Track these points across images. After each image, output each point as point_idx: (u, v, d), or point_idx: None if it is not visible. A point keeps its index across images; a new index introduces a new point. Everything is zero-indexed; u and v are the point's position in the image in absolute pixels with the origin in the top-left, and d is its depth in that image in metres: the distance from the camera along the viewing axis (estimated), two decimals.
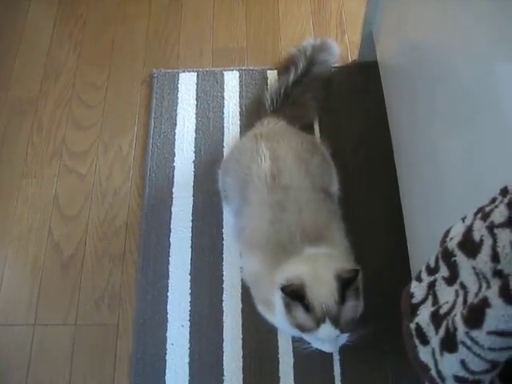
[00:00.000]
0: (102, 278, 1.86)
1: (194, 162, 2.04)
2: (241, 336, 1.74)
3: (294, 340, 1.72)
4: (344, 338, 1.40)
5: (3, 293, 1.86)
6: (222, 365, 1.70)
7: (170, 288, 1.82)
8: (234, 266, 1.83)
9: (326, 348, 1.40)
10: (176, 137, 2.09)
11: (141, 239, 1.90)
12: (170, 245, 1.89)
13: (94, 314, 1.81)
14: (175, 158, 2.04)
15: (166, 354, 1.72)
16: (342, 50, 2.22)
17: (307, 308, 1.33)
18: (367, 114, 2.09)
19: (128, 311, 1.80)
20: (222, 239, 1.89)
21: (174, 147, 2.07)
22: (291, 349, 1.72)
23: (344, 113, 2.09)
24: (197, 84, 2.20)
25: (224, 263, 1.85)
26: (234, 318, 1.76)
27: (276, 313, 1.49)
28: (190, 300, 1.80)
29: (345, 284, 1.33)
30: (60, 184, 2.04)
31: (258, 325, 1.72)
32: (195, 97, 2.17)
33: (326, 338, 1.36)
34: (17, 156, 2.11)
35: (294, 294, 1.34)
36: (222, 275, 1.83)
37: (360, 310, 1.39)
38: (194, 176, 2.01)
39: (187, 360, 1.71)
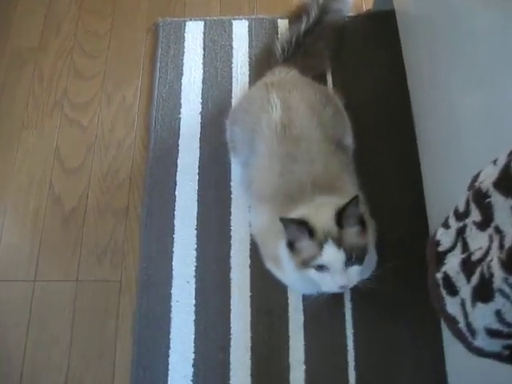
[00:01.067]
0: (105, 233, 1.79)
1: (200, 113, 1.94)
2: (249, 293, 1.67)
3: (305, 298, 1.65)
4: (354, 272, 1.30)
5: (2, 247, 1.79)
6: (230, 322, 1.64)
7: (175, 243, 1.74)
8: (243, 221, 1.75)
9: (336, 282, 1.30)
10: (182, 87, 1.99)
11: (145, 193, 1.82)
12: (175, 199, 1.81)
13: (96, 270, 1.74)
14: (181, 110, 1.95)
15: (170, 311, 1.66)
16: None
17: (309, 233, 1.27)
18: (383, 65, 1.97)
19: (131, 267, 1.73)
20: (230, 193, 1.81)
21: (181, 98, 1.97)
22: (301, 306, 1.65)
23: (358, 64, 1.98)
24: (204, 33, 2.09)
25: (232, 217, 1.77)
26: (242, 274, 1.69)
27: (284, 267, 1.43)
28: (195, 256, 1.72)
29: (342, 209, 1.27)
30: (61, 136, 1.96)
31: (266, 281, 1.64)
32: (202, 46, 2.07)
33: (333, 263, 1.28)
34: (17, 107, 2.02)
35: (295, 222, 1.29)
36: (230, 230, 1.75)
37: (367, 240, 1.33)
38: (201, 127, 1.91)
39: (193, 317, 1.65)
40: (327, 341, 1.60)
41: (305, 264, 1.30)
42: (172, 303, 1.67)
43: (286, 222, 1.28)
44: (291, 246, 1.33)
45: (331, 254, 1.27)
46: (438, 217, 1.53)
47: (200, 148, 1.88)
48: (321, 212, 1.34)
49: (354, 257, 1.28)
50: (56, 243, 1.78)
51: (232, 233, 1.75)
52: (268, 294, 1.66)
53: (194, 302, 1.66)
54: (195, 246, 1.74)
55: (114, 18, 2.18)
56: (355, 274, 1.31)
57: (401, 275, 1.52)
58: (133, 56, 2.09)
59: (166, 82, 2.00)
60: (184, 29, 2.10)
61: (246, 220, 1.74)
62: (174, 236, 1.75)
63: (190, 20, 2.13)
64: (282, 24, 2.08)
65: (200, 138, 1.89)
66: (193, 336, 1.62)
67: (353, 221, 1.29)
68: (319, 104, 1.64)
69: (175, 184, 1.83)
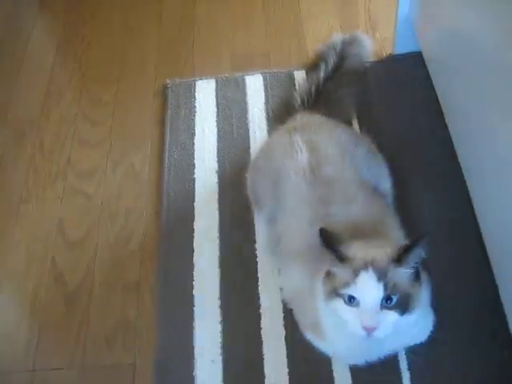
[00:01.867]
0: (114, 311, 1.55)
1: (217, 172, 1.76)
2: (286, 370, 1.40)
3: (352, 369, 1.38)
4: (388, 320, 1.09)
5: None
6: None
7: (195, 317, 1.50)
8: (272, 286, 1.51)
9: (362, 320, 1.08)
10: (195, 147, 1.82)
11: (159, 262, 1.60)
12: (193, 267, 1.58)
13: (104, 354, 1.49)
14: (195, 170, 1.77)
15: None
16: (374, 46, 1.97)
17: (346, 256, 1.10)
18: (412, 106, 1.81)
19: (145, 348, 1.47)
20: (256, 256, 1.58)
21: (194, 158, 1.80)
22: (350, 381, 1.37)
23: (385, 107, 1.83)
24: (216, 90, 1.96)
25: (260, 283, 1.53)
26: (276, 348, 1.43)
27: (326, 332, 1.24)
28: (220, 330, 1.47)
29: (409, 245, 1.09)
30: (64, 207, 1.77)
31: (306, 354, 1.38)
32: (215, 104, 1.93)
33: (365, 297, 1.07)
34: (16, 180, 1.85)
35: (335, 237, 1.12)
36: (259, 298, 1.51)
37: (418, 292, 1.12)
38: (219, 188, 1.73)
39: None
40: None
41: (335, 292, 1.11)
42: None
43: (327, 234, 1.12)
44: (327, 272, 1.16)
45: (367, 285, 1.07)
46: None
47: (219, 210, 1.68)
48: (367, 247, 1.15)
49: (394, 300, 1.08)
50: (58, 326, 1.54)
51: (261, 301, 1.50)
52: (309, 370, 1.39)
53: None
54: (219, 319, 1.49)
55: (118, 84, 2.07)
56: (389, 323, 1.09)
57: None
58: (140, 120, 1.95)
59: (178, 143, 1.84)
60: (194, 88, 1.98)
61: (275, 285, 1.51)
62: (194, 309, 1.51)
63: (201, 79, 2.00)
64: (299, 75, 1.96)
65: (218, 200, 1.70)
66: None
67: (411, 262, 1.10)
68: (349, 144, 1.48)
69: (192, 251, 1.61)
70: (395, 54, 1.99)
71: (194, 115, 1.91)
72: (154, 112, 1.97)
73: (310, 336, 1.36)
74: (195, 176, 1.76)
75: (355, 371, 1.37)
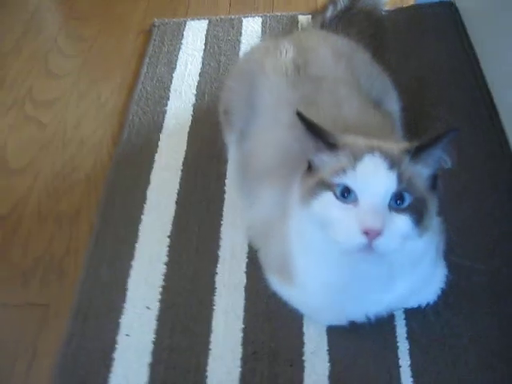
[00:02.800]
0: (39, 245, 1.24)
1: (193, 105, 1.48)
2: (241, 325, 1.06)
3: (331, 332, 1.02)
4: (398, 226, 0.77)
5: None
6: (206, 370, 1.00)
7: (135, 255, 1.18)
8: (237, 230, 1.19)
9: (363, 220, 0.76)
10: (173, 80, 1.56)
11: (104, 193, 1.30)
12: (145, 200, 1.27)
13: (18, 292, 1.17)
14: (168, 102, 1.50)
15: (114, 349, 1.04)
16: None
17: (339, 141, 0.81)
18: (434, 54, 1.52)
19: (68, 289, 1.15)
20: (223, 193, 1.26)
21: (169, 91, 1.53)
22: (325, 347, 1.01)
23: (402, 54, 1.53)
24: (207, 30, 1.71)
25: (222, 224, 1.21)
26: (232, 297, 1.09)
27: (296, 271, 0.94)
28: (164, 273, 1.14)
29: (422, 143, 0.80)
30: (12, 135, 1.50)
31: (270, 310, 1.06)
32: (204, 42, 1.67)
33: (370, 186, 0.77)
34: None
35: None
36: (219, 239, 1.18)
37: (434, 209, 0.84)
38: (192, 121, 1.44)
39: (148, 360, 1.03)
40: None
41: (321, 184, 0.80)
42: (119, 337, 1.05)
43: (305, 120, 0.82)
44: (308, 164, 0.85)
45: (373, 172, 0.77)
46: None
47: (188, 143, 1.38)
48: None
49: (407, 200, 0.77)
50: None
51: (221, 243, 1.17)
52: (271, 329, 1.04)
53: (152, 337, 1.05)
54: (165, 259, 1.16)
55: (103, 22, 1.83)
56: (397, 232, 0.77)
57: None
58: (117, 56, 1.71)
59: (154, 76, 1.57)
60: (184, 28, 1.73)
61: (241, 228, 1.18)
62: (136, 245, 1.19)
63: (193, 20, 1.75)
64: (304, 19, 1.68)
65: (189, 132, 1.41)
66: None
67: (430, 161, 0.81)
68: (347, 48, 1.18)
69: (148, 183, 1.30)
70: (416, 3, 1.71)
71: (179, 51, 1.64)
72: (136, 48, 1.72)
73: (275, 281, 1.03)
74: (167, 108, 1.48)
75: (334, 335, 1.02)
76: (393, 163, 0.77)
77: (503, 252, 1.10)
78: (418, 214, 0.78)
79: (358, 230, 0.76)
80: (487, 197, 1.19)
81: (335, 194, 0.79)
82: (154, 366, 1.01)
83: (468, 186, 1.21)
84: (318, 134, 0.81)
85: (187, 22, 1.75)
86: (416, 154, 0.79)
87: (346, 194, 0.78)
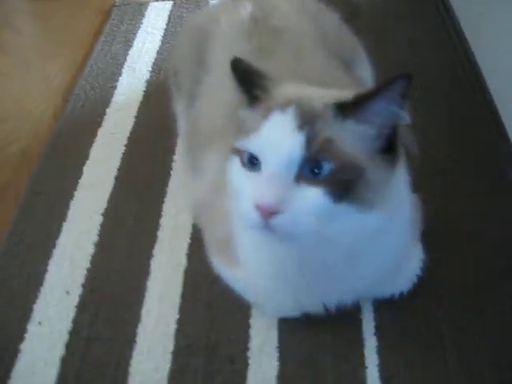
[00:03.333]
0: None
1: (147, 81, 1.34)
2: (176, 316, 0.88)
3: (281, 327, 0.86)
4: (305, 199, 0.61)
5: None
6: (128, 372, 0.82)
7: (61, 232, 1.01)
8: (182, 209, 1.03)
9: (255, 192, 0.62)
10: (128, 58, 1.44)
11: (37, 166, 1.14)
12: (81, 175, 1.11)
13: None
14: (120, 78, 1.35)
15: (23, 338, 0.87)
16: None
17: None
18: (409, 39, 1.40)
19: None
20: (170, 169, 1.11)
21: (122, 67, 1.40)
22: (275, 342, 0.85)
23: (377, 36, 1.40)
24: (171, 11, 1.59)
25: (166, 202, 1.05)
26: (168, 282, 0.93)
27: (238, 249, 0.80)
28: (92, 253, 0.98)
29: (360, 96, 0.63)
30: None
31: (213, 297, 0.90)
32: (166, 22, 1.55)
33: (270, 150, 0.61)
34: None
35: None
36: (160, 216, 1.02)
37: (390, 181, 0.66)
38: (144, 97, 1.29)
39: (61, 353, 0.85)
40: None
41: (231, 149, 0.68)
42: (29, 326, 0.88)
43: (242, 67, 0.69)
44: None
45: (276, 133, 0.61)
46: None
47: (136, 118, 1.24)
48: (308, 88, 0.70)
49: (325, 169, 0.61)
50: None
51: (162, 221, 1.01)
52: (212, 317, 0.87)
53: (69, 326, 0.88)
54: (95, 239, 0.99)
55: (61, 2, 1.69)
56: (304, 207, 0.62)
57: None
58: (73, 34, 1.59)
59: (108, 53, 1.45)
60: (146, 8, 1.61)
61: (185, 206, 1.02)
62: (64, 223, 1.02)
63: (157, 1, 1.63)
64: None
65: (139, 108, 1.27)
66: None
67: (374, 118, 0.63)
68: (314, 6, 1.06)
69: (86, 158, 1.14)
70: None
71: (138, 30, 1.52)
72: (93, 27, 1.60)
73: (219, 262, 0.87)
74: (117, 84, 1.34)
75: (286, 330, 0.86)
76: (304, 121, 0.61)
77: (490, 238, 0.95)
78: (344, 186, 0.62)
79: (251, 203, 0.61)
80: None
81: (242, 161, 0.64)
82: (66, 360, 0.84)
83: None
84: (248, 82, 0.68)
85: (150, 4, 1.62)
86: (352, 109, 0.63)
87: (254, 160, 0.63)
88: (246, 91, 0.68)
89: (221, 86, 0.92)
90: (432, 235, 0.88)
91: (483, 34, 1.27)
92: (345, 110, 0.62)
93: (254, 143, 0.62)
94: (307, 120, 0.61)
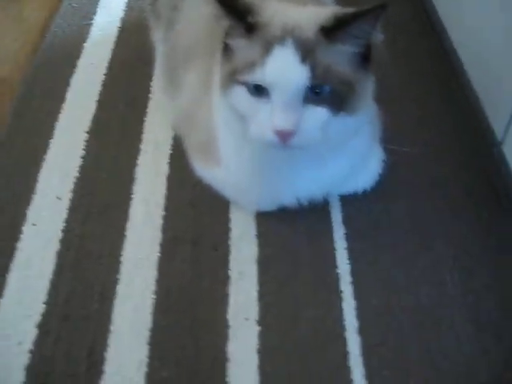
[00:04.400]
0: None
1: (121, 18, 1.40)
2: (161, 213, 0.96)
3: (260, 220, 0.94)
4: (314, 118, 0.72)
5: None
6: (119, 262, 0.90)
7: (49, 150, 1.07)
8: (162, 127, 1.10)
9: (273, 121, 0.71)
10: None
11: (19, 93, 1.19)
12: (64, 99, 1.17)
13: None
14: (95, 16, 1.40)
15: (17, 239, 0.93)
16: None
17: (254, 26, 0.72)
18: None
19: None
20: (149, 92, 1.18)
21: (97, 6, 1.43)
22: (254, 231, 0.94)
23: None
24: None
25: (146, 121, 1.13)
26: (153, 186, 1.01)
27: (220, 149, 0.90)
28: (80, 165, 1.04)
29: (341, 18, 0.71)
30: None
31: (195, 196, 0.98)
32: None
33: (280, 84, 0.70)
34: None
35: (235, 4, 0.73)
36: (142, 134, 1.09)
37: (366, 87, 0.77)
38: (120, 32, 1.35)
39: (56, 247, 0.92)
40: (306, 295, 0.86)
41: (235, 77, 0.73)
42: (23, 228, 0.94)
43: None
44: (225, 44, 0.77)
45: (282, 66, 0.70)
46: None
47: (113, 50, 1.30)
48: (293, 8, 0.78)
49: (325, 90, 0.71)
50: None
51: (144, 136, 1.09)
52: (195, 214, 0.96)
53: (62, 226, 0.95)
54: (82, 152, 1.07)
55: None
56: (314, 125, 0.73)
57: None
58: None
59: None
60: None
61: (166, 123, 1.09)
62: (51, 140, 1.09)
63: None
64: None
65: (115, 42, 1.33)
66: (45, 291, 0.87)
67: (355, 41, 0.72)
68: None
69: (67, 85, 1.20)
70: None
71: None
72: None
73: (201, 165, 0.96)
74: (93, 21, 1.39)
75: (263, 221, 0.95)
76: (306, 54, 0.69)
77: (439, 145, 1.06)
78: (340, 100, 0.72)
79: (269, 130, 0.71)
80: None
81: (248, 90, 0.72)
82: (62, 253, 0.91)
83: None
84: (237, 11, 0.72)
85: None
86: (335, 33, 0.71)
87: (258, 89, 0.71)
88: (236, 20, 0.73)
89: (197, 7, 1.00)
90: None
91: None
92: (332, 34, 0.70)
93: (262, 76, 0.70)
94: (307, 52, 0.70)
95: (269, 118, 0.71)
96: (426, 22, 1.32)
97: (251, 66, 0.71)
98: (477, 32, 1.05)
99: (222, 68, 0.77)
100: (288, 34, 0.70)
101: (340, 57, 0.72)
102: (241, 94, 0.74)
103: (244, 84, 0.73)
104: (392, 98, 1.07)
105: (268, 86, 0.70)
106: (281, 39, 0.70)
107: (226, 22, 0.74)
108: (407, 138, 1.05)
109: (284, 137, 0.71)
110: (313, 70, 0.69)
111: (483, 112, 1.02)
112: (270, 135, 0.72)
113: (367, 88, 0.78)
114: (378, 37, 0.75)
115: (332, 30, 0.70)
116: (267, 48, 0.70)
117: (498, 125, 0.97)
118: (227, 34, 0.75)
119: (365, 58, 0.75)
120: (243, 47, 0.74)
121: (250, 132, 0.75)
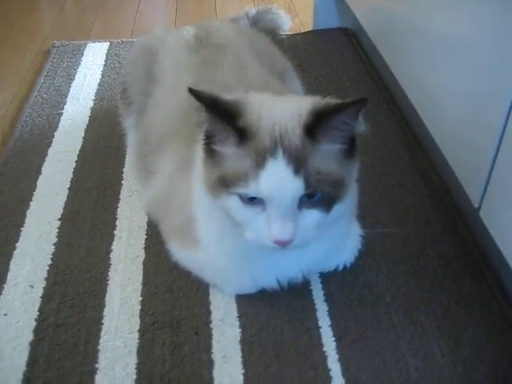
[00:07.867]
0: None
1: (91, 108, 1.43)
2: (139, 298, 0.94)
3: (240, 301, 0.93)
4: (310, 220, 0.74)
5: None
6: (97, 345, 0.87)
7: (20, 238, 1.05)
8: (136, 211, 1.11)
9: (272, 232, 0.72)
10: (71, 89, 1.52)
11: None
12: (35, 188, 1.17)
13: None
14: (66, 106, 1.45)
15: None
16: (292, 26, 1.77)
17: (241, 132, 0.71)
18: (330, 70, 1.58)
19: None
20: (121, 179, 1.19)
21: (66, 97, 1.48)
22: (235, 313, 0.92)
23: (300, 67, 1.57)
24: (108, 50, 1.70)
25: (120, 207, 1.13)
26: (129, 271, 0.99)
27: (200, 232, 0.89)
28: (52, 251, 1.02)
29: (327, 109, 0.71)
30: None
31: (174, 281, 0.97)
32: (104, 59, 1.66)
33: (276, 198, 0.70)
34: None
35: (220, 102, 0.71)
36: (115, 220, 1.09)
37: (350, 174, 0.78)
38: (89, 121, 1.39)
39: (29, 338, 0.88)
40: (293, 377, 0.84)
41: (225, 186, 0.73)
42: None
43: (202, 98, 0.71)
44: (209, 147, 0.76)
45: (276, 179, 0.70)
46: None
47: (84, 139, 1.32)
48: (275, 104, 0.78)
49: (318, 195, 0.73)
50: None
51: (118, 222, 1.08)
52: (174, 298, 0.94)
53: (35, 315, 0.91)
54: (54, 240, 1.05)
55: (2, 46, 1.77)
56: (309, 226, 0.74)
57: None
58: (13, 72, 1.66)
59: (51, 86, 1.53)
60: (84, 48, 1.72)
61: (140, 207, 1.10)
62: (23, 228, 1.07)
63: (93, 42, 1.74)
64: None
65: (86, 130, 1.35)
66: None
67: (338, 136, 0.73)
68: (249, 30, 1.23)
69: (39, 173, 1.20)
70: (314, 29, 1.81)
71: (78, 66, 1.62)
72: (33, 65, 1.69)
73: (178, 248, 0.96)
74: (63, 111, 1.42)
75: (243, 303, 0.94)
76: (298, 165, 0.69)
77: (416, 218, 1.09)
78: (332, 200, 0.74)
79: (268, 239, 0.73)
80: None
81: (241, 199, 0.72)
82: (36, 344, 0.87)
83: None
84: (226, 114, 0.71)
85: (88, 44, 1.74)
86: (318, 131, 0.71)
87: (253, 198, 0.72)
88: (224, 125, 0.71)
89: (170, 94, 1.03)
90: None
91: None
92: (315, 132, 0.71)
93: (257, 190, 0.70)
94: (299, 163, 0.70)
95: (265, 225, 0.72)
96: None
97: (244, 177, 0.70)
98: (445, 106, 1.08)
99: (207, 172, 0.77)
100: (277, 144, 0.70)
101: (327, 156, 0.73)
102: (234, 202, 0.73)
103: (238, 194, 0.72)
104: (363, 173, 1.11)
105: (263, 197, 0.71)
106: (272, 151, 0.69)
107: (209, 128, 0.73)
108: (383, 214, 1.08)
109: (283, 245, 0.73)
110: (306, 180, 0.70)
111: (458, 181, 1.04)
112: (269, 243, 0.73)
113: (354, 174, 0.80)
114: (361, 128, 0.76)
115: (315, 128, 0.71)
116: (259, 161, 0.70)
117: (473, 192, 0.98)
118: (211, 140, 0.74)
119: (350, 149, 0.76)
120: (233, 155, 0.72)
121: (246, 237, 0.75)
